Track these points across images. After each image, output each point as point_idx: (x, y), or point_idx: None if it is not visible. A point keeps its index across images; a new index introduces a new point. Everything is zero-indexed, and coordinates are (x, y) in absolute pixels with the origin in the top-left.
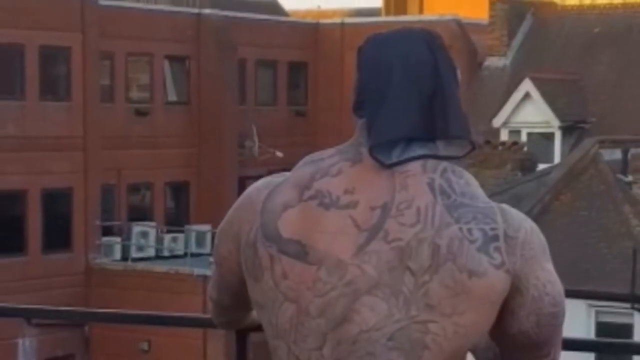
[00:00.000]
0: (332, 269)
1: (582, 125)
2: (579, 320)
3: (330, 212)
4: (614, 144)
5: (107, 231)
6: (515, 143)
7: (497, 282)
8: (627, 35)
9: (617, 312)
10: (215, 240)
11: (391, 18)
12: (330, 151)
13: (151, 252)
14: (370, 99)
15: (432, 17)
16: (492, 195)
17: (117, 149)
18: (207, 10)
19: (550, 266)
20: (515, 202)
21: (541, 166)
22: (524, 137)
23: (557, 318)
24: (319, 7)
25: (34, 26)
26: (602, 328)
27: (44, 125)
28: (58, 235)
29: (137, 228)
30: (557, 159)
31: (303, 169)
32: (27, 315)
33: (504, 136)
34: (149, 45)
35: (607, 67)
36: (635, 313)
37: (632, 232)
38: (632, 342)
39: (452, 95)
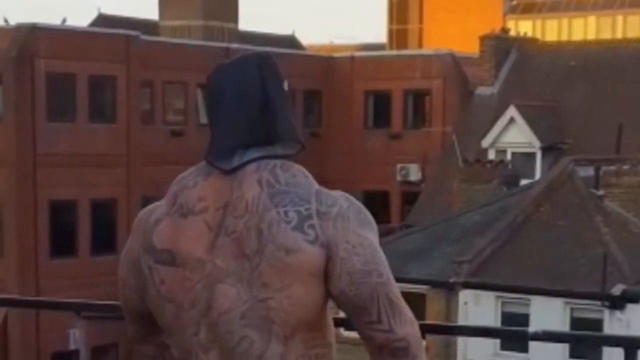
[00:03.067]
0: (194, 267)
1: (559, 146)
2: (556, 315)
3: (188, 220)
4: (588, 162)
5: None
6: (501, 161)
7: (312, 256)
8: (599, 68)
9: (589, 309)
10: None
11: (394, 52)
12: (191, 169)
13: None
14: (209, 118)
15: (430, 51)
16: (481, 207)
17: (155, 165)
18: (234, 45)
19: (365, 232)
20: (501, 213)
21: (524, 181)
22: (509, 156)
23: (370, 276)
24: (331, 42)
25: (85, 58)
26: (576, 323)
27: (92, 144)
28: (104, 240)
29: None
30: (537, 175)
31: (172, 187)
32: (78, 309)
33: (492, 155)
34: (184, 75)
35: (582, 95)
36: (605, 310)
37: (603, 239)
38: (602, 335)
39: (280, 107)
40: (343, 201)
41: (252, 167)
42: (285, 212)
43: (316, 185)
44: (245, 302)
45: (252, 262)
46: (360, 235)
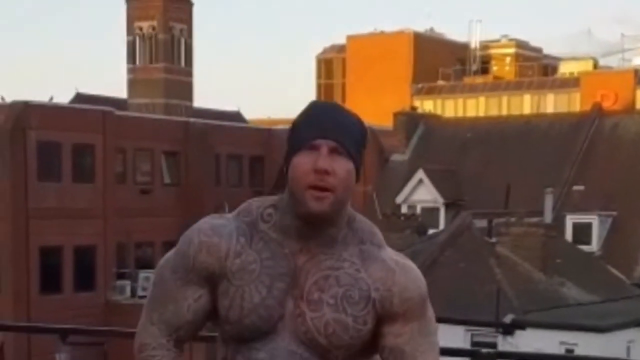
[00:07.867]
0: None
1: (459, 202)
2: (458, 340)
3: None
4: (482, 215)
5: (120, 276)
6: (412, 214)
7: None
8: (489, 139)
9: (486, 335)
10: None
11: None
12: None
13: None
14: None
15: None
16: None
17: (127, 217)
18: (192, 119)
19: None
20: (412, 257)
21: (431, 231)
22: (418, 210)
23: None
24: (269, 117)
25: (69, 129)
26: (475, 346)
27: (75, 200)
28: (85, 278)
29: (142, 274)
30: (442, 226)
31: None
32: (62, 332)
33: (404, 209)
34: (151, 144)
35: (476, 161)
36: (499, 335)
37: (495, 277)
38: (495, 351)
39: None
40: None
41: None
42: None
43: None
44: None
45: None
46: None
